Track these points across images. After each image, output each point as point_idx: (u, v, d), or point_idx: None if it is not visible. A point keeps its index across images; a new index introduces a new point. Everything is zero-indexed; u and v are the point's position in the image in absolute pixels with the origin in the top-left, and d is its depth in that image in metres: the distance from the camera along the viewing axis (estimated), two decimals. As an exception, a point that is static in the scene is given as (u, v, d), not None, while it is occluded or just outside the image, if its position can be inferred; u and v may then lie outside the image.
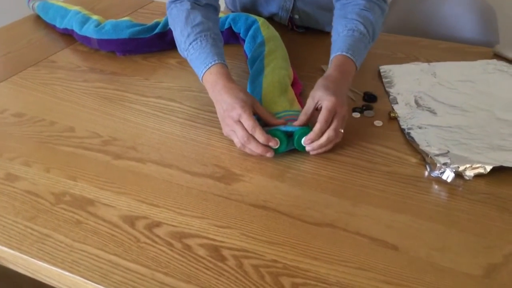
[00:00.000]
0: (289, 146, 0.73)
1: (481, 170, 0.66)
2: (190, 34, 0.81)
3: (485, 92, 0.85)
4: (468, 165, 0.67)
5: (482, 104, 0.82)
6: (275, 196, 0.65)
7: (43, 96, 0.89)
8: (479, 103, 0.82)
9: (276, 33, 0.98)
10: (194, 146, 0.75)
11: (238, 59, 1.00)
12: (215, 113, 0.81)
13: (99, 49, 1.03)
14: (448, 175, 0.66)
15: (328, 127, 0.70)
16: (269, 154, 0.71)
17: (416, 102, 0.82)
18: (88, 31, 1.01)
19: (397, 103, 0.83)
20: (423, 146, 0.71)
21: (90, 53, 1.03)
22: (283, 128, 0.72)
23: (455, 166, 0.66)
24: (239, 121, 0.70)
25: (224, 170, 0.70)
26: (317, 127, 0.70)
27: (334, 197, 0.65)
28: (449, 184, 0.66)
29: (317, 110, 0.73)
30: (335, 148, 0.74)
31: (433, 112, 0.79)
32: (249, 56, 0.95)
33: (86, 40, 1.03)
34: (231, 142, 0.75)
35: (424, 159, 0.70)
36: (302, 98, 0.86)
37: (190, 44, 0.81)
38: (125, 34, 0.99)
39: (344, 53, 0.78)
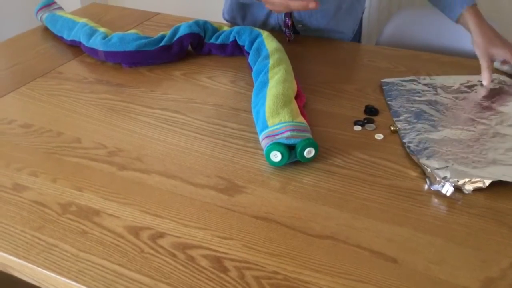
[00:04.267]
0: (291, 159, 0.74)
1: (480, 184, 0.67)
2: None
3: (486, 106, 0.87)
4: (467, 179, 0.68)
5: (482, 118, 0.83)
6: (277, 208, 0.67)
7: (51, 107, 0.90)
8: (479, 117, 0.83)
9: (280, 46, 1.00)
10: (198, 157, 0.76)
11: (243, 71, 1.02)
12: (219, 125, 0.84)
13: (106, 61, 1.05)
14: (448, 189, 0.67)
15: None
16: (311, 5, 0.81)
17: (417, 116, 0.83)
18: (95, 43, 1.03)
19: (398, 116, 0.84)
20: (423, 160, 0.73)
21: (97, 65, 1.05)
22: (285, 141, 0.73)
23: (454, 180, 0.67)
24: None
25: (227, 182, 0.71)
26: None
27: (335, 209, 0.66)
28: (448, 197, 0.67)
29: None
30: (336, 160, 0.75)
31: (433, 126, 0.81)
32: (253, 68, 0.96)
33: (93, 52, 1.05)
34: (234, 153, 0.77)
35: (424, 172, 0.71)
36: (305, 110, 0.88)
37: None
38: (131, 47, 1.01)
39: (471, 4, 0.96)
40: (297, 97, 0.88)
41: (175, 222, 0.64)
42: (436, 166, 0.71)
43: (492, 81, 0.93)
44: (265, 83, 0.88)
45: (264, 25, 1.20)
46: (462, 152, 0.74)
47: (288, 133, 0.74)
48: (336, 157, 0.76)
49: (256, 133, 0.80)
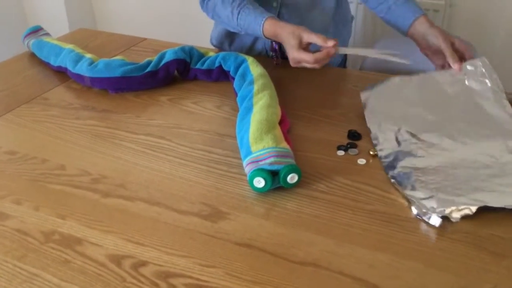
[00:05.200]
0: (274, 185, 0.74)
1: (467, 212, 0.68)
2: (234, 10, 1.00)
3: (467, 120, 0.87)
4: (453, 208, 0.68)
5: (463, 137, 0.84)
6: (260, 234, 0.67)
7: (36, 133, 0.90)
8: (459, 138, 0.84)
9: (265, 72, 1.01)
10: (182, 184, 0.77)
11: (228, 96, 1.03)
12: (204, 150, 0.84)
13: (92, 87, 1.05)
14: (436, 221, 0.67)
15: None
16: (333, 51, 0.90)
17: (397, 141, 0.84)
18: (81, 69, 1.04)
19: (377, 139, 0.85)
20: (408, 190, 0.73)
21: (83, 91, 1.06)
22: (268, 167, 0.74)
23: (441, 209, 0.68)
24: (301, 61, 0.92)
25: (210, 208, 0.71)
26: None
27: (318, 235, 0.67)
28: (430, 223, 0.68)
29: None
30: (319, 186, 0.75)
31: (413, 154, 0.81)
32: (238, 94, 0.97)
33: (79, 78, 1.05)
34: (218, 179, 0.77)
35: (408, 200, 0.72)
36: (290, 135, 0.89)
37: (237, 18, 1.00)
38: (117, 73, 1.02)
39: (422, 14, 1.00)
40: (281, 122, 0.89)
41: (158, 250, 0.64)
42: (422, 196, 0.72)
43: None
44: (249, 109, 0.89)
45: (251, 50, 1.22)
46: (445, 180, 0.75)
47: (272, 159, 0.75)
48: (319, 182, 0.77)
49: (240, 159, 0.81)
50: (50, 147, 0.86)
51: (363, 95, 0.95)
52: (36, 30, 1.24)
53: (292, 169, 0.74)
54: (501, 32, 1.70)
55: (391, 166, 0.79)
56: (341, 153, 0.83)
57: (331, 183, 0.76)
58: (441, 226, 0.67)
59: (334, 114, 0.95)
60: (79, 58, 1.07)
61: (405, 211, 0.70)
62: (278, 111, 0.90)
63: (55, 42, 1.17)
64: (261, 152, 0.77)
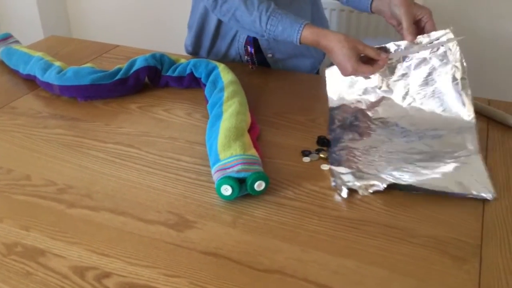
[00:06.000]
0: (242, 192, 0.74)
1: (377, 188, 0.74)
2: (262, 15, 0.97)
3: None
4: (366, 182, 0.75)
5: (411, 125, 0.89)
6: (226, 243, 0.67)
7: (1, 143, 0.89)
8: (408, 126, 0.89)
9: (236, 79, 1.01)
10: (150, 192, 0.76)
11: (199, 103, 1.03)
12: (173, 158, 0.84)
13: (61, 95, 1.04)
14: (345, 193, 0.74)
15: None
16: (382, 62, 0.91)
17: (348, 120, 0.91)
18: (50, 77, 1.03)
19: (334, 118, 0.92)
20: (334, 166, 0.80)
21: (52, 99, 1.04)
22: (235, 174, 0.74)
23: (353, 183, 0.75)
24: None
25: (177, 217, 0.71)
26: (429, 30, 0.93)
27: (284, 243, 0.67)
28: (394, 227, 0.68)
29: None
30: (287, 193, 0.76)
31: (358, 133, 0.89)
32: (209, 101, 0.97)
33: (48, 86, 1.04)
34: (186, 188, 0.77)
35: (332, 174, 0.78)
36: (259, 142, 0.89)
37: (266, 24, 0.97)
38: (86, 81, 1.01)
39: None
40: (250, 129, 0.89)
41: (122, 261, 0.63)
42: (343, 171, 0.78)
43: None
44: (219, 116, 0.89)
45: (225, 57, 1.22)
46: (374, 160, 0.81)
47: (239, 167, 0.75)
48: (287, 189, 0.77)
49: (209, 167, 0.81)
50: (15, 157, 0.85)
51: (328, 71, 0.98)
52: (6, 38, 1.23)
53: (259, 176, 0.74)
54: (479, 33, 1.73)
55: (336, 140, 0.86)
56: (306, 159, 0.83)
57: (298, 190, 0.77)
58: (403, 230, 0.68)
59: (304, 120, 0.96)
60: (48, 66, 1.06)
61: (370, 217, 0.71)
62: (247, 118, 0.90)
63: (25, 50, 1.16)
64: (229, 160, 0.77)
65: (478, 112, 0.95)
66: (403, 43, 0.92)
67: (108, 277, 0.61)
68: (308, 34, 0.95)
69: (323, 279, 0.61)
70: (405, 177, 0.76)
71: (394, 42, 0.93)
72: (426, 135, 0.86)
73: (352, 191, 0.75)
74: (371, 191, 0.74)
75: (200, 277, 0.61)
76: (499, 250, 0.65)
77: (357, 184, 0.75)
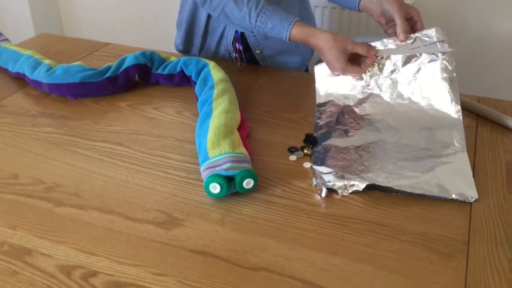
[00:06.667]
0: (231, 190, 0.74)
1: (356, 188, 0.74)
2: (251, 11, 0.97)
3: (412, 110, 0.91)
4: (346, 183, 0.75)
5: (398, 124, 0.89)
6: (214, 240, 0.67)
7: (-10, 142, 0.89)
8: (395, 125, 0.89)
9: (226, 76, 1.01)
10: (138, 191, 0.76)
11: (189, 101, 1.02)
12: (162, 157, 0.84)
13: (50, 93, 1.04)
14: (324, 193, 0.74)
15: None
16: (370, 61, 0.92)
17: (336, 118, 0.90)
18: (39, 75, 1.02)
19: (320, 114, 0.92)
20: (316, 165, 0.79)
21: (41, 97, 1.04)
22: (224, 172, 0.74)
23: (333, 183, 0.75)
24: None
25: (166, 215, 0.71)
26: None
27: (272, 240, 0.67)
28: (381, 225, 0.68)
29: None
30: (276, 190, 0.76)
31: (344, 132, 0.88)
32: (199, 99, 0.97)
33: (37, 84, 1.03)
34: (175, 186, 0.77)
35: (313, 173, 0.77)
36: (249, 139, 0.89)
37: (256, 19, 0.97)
38: (76, 79, 1.00)
39: None
40: (240, 127, 0.89)
41: (109, 260, 0.63)
42: (324, 171, 0.78)
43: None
44: (208, 114, 0.89)
45: (215, 54, 1.22)
46: (355, 159, 0.81)
47: (228, 164, 0.75)
48: (276, 186, 0.77)
49: (198, 165, 0.80)
50: (3, 156, 0.84)
51: (317, 68, 0.98)
52: (-5, 36, 1.22)
53: (248, 174, 0.74)
54: (469, 31, 1.73)
55: (321, 138, 0.86)
56: (292, 157, 0.83)
57: (287, 187, 0.77)
58: (392, 227, 0.68)
59: (294, 118, 0.96)
60: (37, 64, 1.05)
61: (358, 214, 0.71)
62: (237, 116, 0.90)
63: (14, 48, 1.15)
64: (218, 158, 0.77)
65: (467, 109, 0.96)
66: (392, 42, 0.93)
67: (95, 276, 0.61)
68: (297, 32, 0.96)
69: (310, 276, 0.61)
70: (388, 179, 0.76)
71: (383, 40, 0.93)
72: (413, 132, 0.86)
73: (332, 191, 0.75)
74: (350, 191, 0.74)
75: (187, 275, 0.61)
76: (486, 247, 0.65)
77: (337, 184, 0.75)
